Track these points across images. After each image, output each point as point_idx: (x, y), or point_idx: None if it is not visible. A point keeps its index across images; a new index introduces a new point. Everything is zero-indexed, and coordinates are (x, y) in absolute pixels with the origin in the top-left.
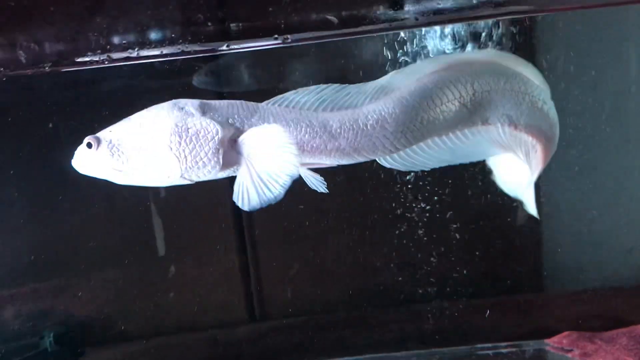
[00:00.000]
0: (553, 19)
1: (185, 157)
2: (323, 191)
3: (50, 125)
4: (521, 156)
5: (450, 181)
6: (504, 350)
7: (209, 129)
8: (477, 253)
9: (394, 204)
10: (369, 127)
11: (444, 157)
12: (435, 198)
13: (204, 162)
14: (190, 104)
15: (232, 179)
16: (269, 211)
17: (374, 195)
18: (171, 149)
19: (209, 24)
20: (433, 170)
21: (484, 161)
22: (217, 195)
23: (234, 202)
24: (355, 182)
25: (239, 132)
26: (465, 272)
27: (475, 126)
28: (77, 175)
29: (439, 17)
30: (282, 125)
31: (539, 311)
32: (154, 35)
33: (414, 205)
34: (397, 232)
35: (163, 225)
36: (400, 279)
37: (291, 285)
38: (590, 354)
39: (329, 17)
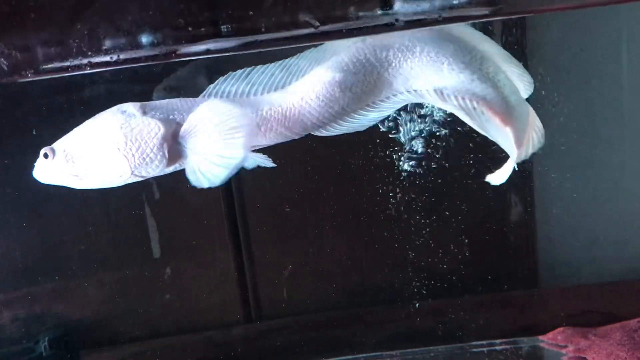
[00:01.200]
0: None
1: (133, 155)
2: (271, 166)
3: (34, 131)
4: (468, 121)
5: (444, 179)
6: (498, 347)
7: (151, 127)
8: (470, 250)
9: (388, 203)
10: (296, 106)
11: (376, 118)
12: (429, 196)
13: (150, 157)
14: (132, 106)
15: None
16: (264, 211)
17: (368, 193)
18: (119, 149)
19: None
20: (427, 169)
21: (478, 158)
22: (211, 196)
23: (228, 203)
24: (349, 181)
25: (180, 126)
26: (459, 269)
27: (401, 93)
28: None
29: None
30: (217, 125)
31: (533, 307)
32: (141, 39)
33: (407, 203)
34: (390, 230)
35: (158, 226)
36: (394, 277)
37: (287, 285)
38: (584, 350)
39: (309, 19)
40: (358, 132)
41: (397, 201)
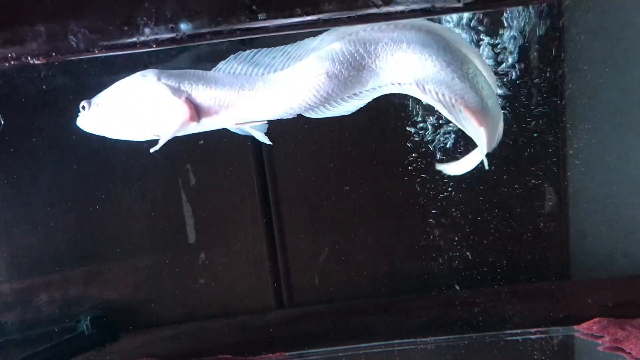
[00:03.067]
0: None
1: (144, 115)
2: (267, 143)
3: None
4: (446, 115)
5: (477, 169)
6: (532, 337)
7: (161, 91)
8: (505, 239)
9: (421, 191)
10: (286, 88)
11: (359, 105)
12: (463, 185)
13: (159, 120)
14: (151, 73)
15: (260, 166)
16: (297, 200)
17: (402, 182)
18: (134, 108)
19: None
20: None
21: (511, 149)
22: (246, 184)
23: (262, 192)
24: (382, 169)
25: (188, 94)
26: (492, 258)
27: (387, 86)
28: (109, 163)
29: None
30: (219, 89)
31: (568, 298)
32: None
33: (441, 192)
34: (424, 219)
35: (193, 213)
36: (427, 265)
37: (318, 272)
38: (621, 340)
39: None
40: (392, 123)
41: (429, 191)
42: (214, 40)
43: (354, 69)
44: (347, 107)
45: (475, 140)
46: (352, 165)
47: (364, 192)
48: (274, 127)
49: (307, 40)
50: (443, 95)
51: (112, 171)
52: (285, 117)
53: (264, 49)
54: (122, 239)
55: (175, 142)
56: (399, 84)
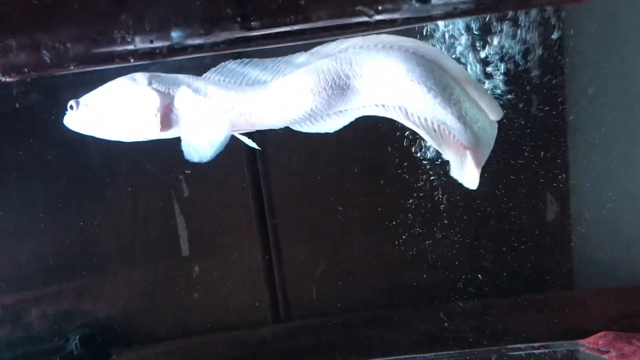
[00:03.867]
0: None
1: (131, 118)
2: (256, 148)
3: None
4: (426, 138)
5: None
6: (536, 352)
7: (149, 96)
8: (506, 250)
9: (419, 202)
10: (271, 100)
11: (344, 124)
12: (463, 196)
13: (144, 122)
14: (141, 76)
15: (255, 176)
16: (292, 210)
17: (399, 193)
18: (122, 110)
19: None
20: None
21: (510, 160)
22: (240, 195)
23: (257, 202)
24: (380, 180)
25: (178, 100)
26: (494, 270)
27: (370, 107)
28: (100, 175)
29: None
30: (210, 95)
31: (572, 309)
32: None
33: (440, 203)
34: (423, 230)
35: (186, 224)
36: (427, 278)
37: (316, 285)
38: (629, 356)
39: (362, 8)
40: (388, 133)
41: (428, 201)
42: (196, 55)
43: (338, 87)
44: (331, 124)
45: (452, 165)
46: (348, 174)
47: (361, 202)
48: (269, 136)
49: (297, 54)
50: (425, 120)
51: (104, 184)
52: (272, 128)
53: (255, 59)
54: (114, 252)
55: (167, 152)
56: (383, 105)
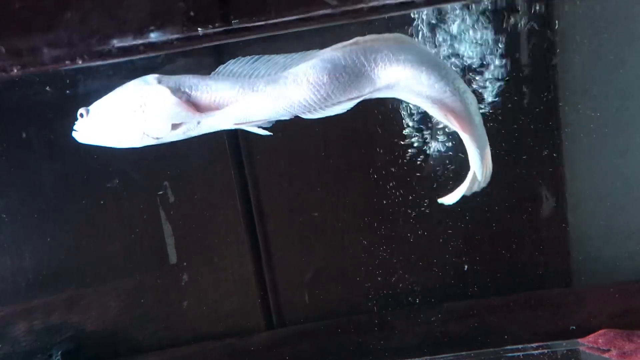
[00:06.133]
0: None
1: (145, 118)
2: (268, 134)
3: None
4: (438, 117)
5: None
6: (534, 352)
7: (162, 94)
8: (502, 248)
9: (413, 202)
10: (287, 86)
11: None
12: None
13: (158, 120)
14: (152, 77)
15: (243, 180)
16: (282, 213)
17: (391, 195)
18: (134, 111)
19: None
20: (453, 167)
21: (504, 156)
22: (227, 198)
23: (245, 205)
24: (373, 181)
25: (188, 96)
26: (490, 268)
27: (381, 91)
28: (85, 186)
29: None
30: (220, 90)
31: (571, 307)
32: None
33: (433, 202)
34: (417, 231)
35: (173, 231)
36: (422, 279)
37: (308, 289)
38: (630, 354)
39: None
40: (380, 131)
41: (422, 200)
42: (147, 55)
43: (354, 74)
44: (342, 108)
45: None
46: (339, 175)
47: (353, 203)
48: (256, 139)
49: (310, 51)
50: (434, 106)
51: (87, 191)
52: (283, 118)
53: (264, 56)
54: (99, 262)
55: (151, 158)
56: (394, 89)
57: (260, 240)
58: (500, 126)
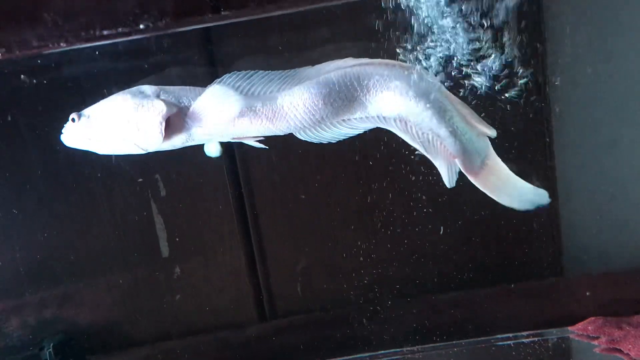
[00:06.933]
0: None
1: (138, 128)
2: (263, 147)
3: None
4: (419, 148)
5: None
6: (525, 340)
7: (157, 107)
8: (492, 238)
9: (404, 194)
10: (284, 108)
11: (347, 133)
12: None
13: (150, 131)
14: (149, 88)
15: (234, 173)
16: (274, 206)
17: (383, 186)
18: (129, 121)
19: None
20: None
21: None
22: (219, 190)
23: (237, 198)
24: (364, 173)
25: (187, 108)
26: (481, 259)
27: (373, 117)
28: (76, 180)
29: None
30: (217, 104)
31: (559, 297)
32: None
33: (425, 193)
34: (408, 222)
35: (165, 224)
36: (413, 270)
37: (301, 281)
38: (618, 341)
39: None
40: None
41: (413, 192)
42: (129, 38)
43: (347, 99)
44: (335, 133)
45: (441, 172)
46: (331, 167)
47: (344, 195)
48: None
49: (303, 68)
50: (422, 133)
51: (78, 185)
52: (278, 134)
53: (259, 71)
54: (91, 256)
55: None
56: (384, 117)
57: (252, 233)
58: (490, 117)
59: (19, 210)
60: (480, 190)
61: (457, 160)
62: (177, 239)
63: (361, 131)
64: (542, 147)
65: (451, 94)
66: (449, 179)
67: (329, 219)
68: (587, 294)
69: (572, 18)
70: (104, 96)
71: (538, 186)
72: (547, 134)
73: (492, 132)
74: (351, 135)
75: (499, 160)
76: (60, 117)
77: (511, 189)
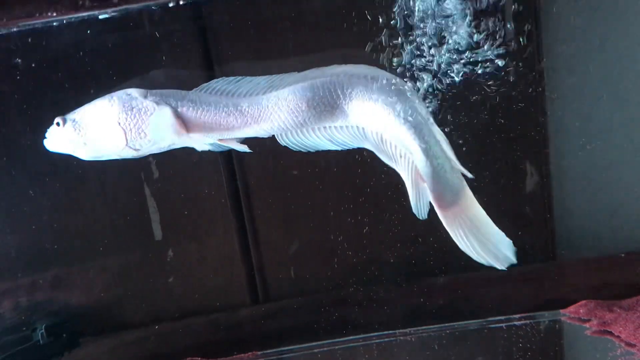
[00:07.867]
0: None
1: (130, 129)
2: (247, 151)
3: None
4: (393, 166)
5: (455, 152)
6: (517, 323)
7: (148, 108)
8: None
9: (398, 177)
10: (269, 108)
11: (326, 144)
12: None
13: (144, 133)
14: (136, 91)
15: (228, 159)
16: (268, 189)
17: (376, 169)
18: (119, 123)
19: None
20: None
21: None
22: (213, 174)
23: (231, 181)
24: (356, 157)
25: (174, 110)
26: None
27: (352, 127)
28: (67, 162)
29: None
30: (205, 107)
31: (552, 281)
32: None
33: None
34: (401, 205)
35: (158, 207)
36: (406, 253)
37: (294, 264)
38: (610, 323)
39: None
40: None
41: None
42: (121, 7)
43: (329, 105)
44: (315, 141)
45: (409, 192)
46: (323, 153)
47: (338, 179)
48: None
49: (289, 74)
50: (396, 147)
51: (69, 167)
52: (262, 136)
53: (247, 77)
54: (84, 238)
55: None
56: (363, 128)
57: (245, 216)
58: (484, 102)
59: (11, 193)
60: (476, 173)
61: (425, 186)
62: (171, 222)
63: (339, 148)
64: (535, 132)
65: (427, 111)
66: (416, 205)
67: (323, 203)
68: (579, 277)
69: (566, 6)
70: (90, 96)
71: (530, 184)
72: (541, 119)
73: (468, 174)
74: (330, 149)
75: (475, 202)
76: (48, 94)
77: (480, 241)
